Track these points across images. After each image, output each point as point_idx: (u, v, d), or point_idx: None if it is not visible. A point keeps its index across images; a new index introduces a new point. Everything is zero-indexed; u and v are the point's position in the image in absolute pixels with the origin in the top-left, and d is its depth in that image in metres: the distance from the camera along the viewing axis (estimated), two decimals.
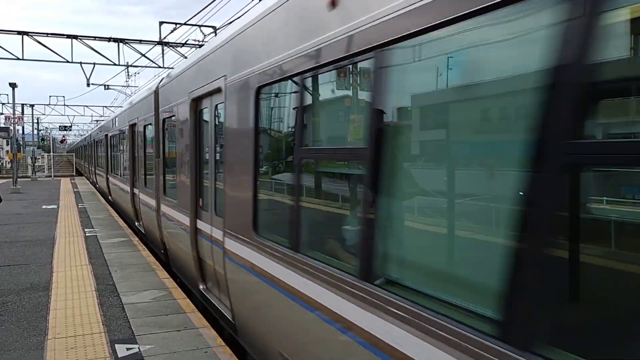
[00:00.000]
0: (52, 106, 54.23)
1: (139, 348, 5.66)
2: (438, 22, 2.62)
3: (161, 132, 10.28)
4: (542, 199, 2.14)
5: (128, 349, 5.64)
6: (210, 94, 6.77)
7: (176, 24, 21.97)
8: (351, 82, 3.79)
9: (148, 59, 24.51)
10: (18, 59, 22.70)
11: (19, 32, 21.78)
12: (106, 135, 22.23)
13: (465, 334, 2.39)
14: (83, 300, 7.44)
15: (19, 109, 38.99)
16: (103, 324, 6.43)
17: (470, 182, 2.94)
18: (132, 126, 14.14)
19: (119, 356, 5.46)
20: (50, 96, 75.93)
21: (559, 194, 2.15)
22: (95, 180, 30.49)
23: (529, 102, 2.20)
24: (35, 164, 44.59)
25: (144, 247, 11.56)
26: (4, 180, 40.01)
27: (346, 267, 3.49)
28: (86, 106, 59.05)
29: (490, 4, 2.30)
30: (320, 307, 3.71)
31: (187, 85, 7.93)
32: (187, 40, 23.16)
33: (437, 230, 3.25)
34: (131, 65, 26.66)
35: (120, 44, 23.09)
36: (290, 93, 4.62)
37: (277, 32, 4.60)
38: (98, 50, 23.44)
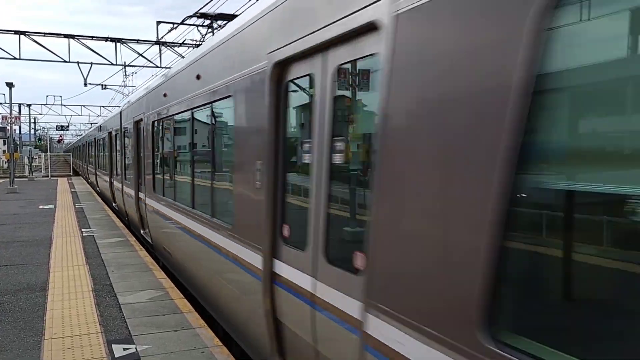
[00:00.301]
0: (49, 106, 54.19)
1: (135, 348, 5.66)
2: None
3: (123, 139, 15.75)
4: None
5: (125, 349, 5.64)
6: (140, 120, 12.32)
7: (174, 23, 21.95)
8: (162, 130, 10.20)
9: (145, 58, 24.51)
10: (15, 58, 22.66)
11: (16, 32, 21.73)
12: (94, 138, 27.95)
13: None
14: (80, 301, 7.44)
15: (16, 108, 38.91)
16: (100, 324, 6.43)
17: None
18: (109, 133, 19.46)
19: (116, 356, 5.46)
20: (47, 96, 75.79)
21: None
22: (87, 175, 36.59)
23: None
24: (32, 164, 44.46)
25: (141, 247, 11.56)
26: (1, 180, 39.94)
27: (169, 196, 9.03)
28: (83, 106, 59.04)
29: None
30: (170, 218, 8.83)
31: (132, 113, 13.77)
32: (184, 40, 23.15)
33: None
34: (129, 65, 26.66)
35: (118, 44, 23.07)
36: (159, 127, 10.35)
37: (147, 101, 11.34)
38: (95, 50, 23.42)
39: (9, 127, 33.55)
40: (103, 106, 56.51)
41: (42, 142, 72.90)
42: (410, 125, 2.69)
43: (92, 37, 23.09)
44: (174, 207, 8.48)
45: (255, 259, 4.75)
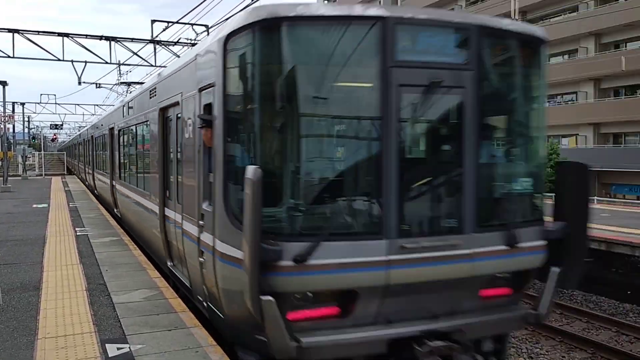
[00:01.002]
0: (43, 104, 53.84)
1: (129, 347, 5.65)
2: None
3: (91, 144, 24.15)
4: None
5: (119, 349, 5.63)
6: (86, 138, 27.34)
7: (168, 22, 21.90)
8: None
9: (140, 57, 24.39)
10: (9, 56, 22.55)
11: (10, 30, 21.63)
12: (77, 142, 39.81)
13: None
14: (74, 300, 7.42)
15: (9, 107, 38.73)
16: (93, 324, 6.41)
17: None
18: (84, 140, 29.65)
19: (110, 356, 5.45)
20: (41, 94, 75.37)
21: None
22: (73, 168, 47.44)
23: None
24: (26, 163, 44.20)
25: (135, 246, 11.53)
26: None
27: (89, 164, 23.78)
28: (77, 104, 58.62)
29: None
30: (100, 181, 20.35)
31: (90, 131, 25.53)
32: (179, 39, 23.09)
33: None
34: (123, 64, 26.49)
35: (112, 42, 22.99)
36: (91, 143, 23.40)
37: (86, 132, 27.89)
38: (89, 49, 23.32)
39: (2, 126, 33.39)
40: (97, 105, 56.15)
41: (36, 141, 72.57)
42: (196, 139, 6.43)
43: (86, 36, 22.99)
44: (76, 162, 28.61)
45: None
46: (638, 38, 33.97)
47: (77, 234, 13.17)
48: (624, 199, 32.69)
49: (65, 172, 52.19)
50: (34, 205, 20.13)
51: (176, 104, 7.25)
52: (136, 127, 11.34)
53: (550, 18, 39.20)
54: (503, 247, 5.27)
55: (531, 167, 5.88)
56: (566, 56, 38.69)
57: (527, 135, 5.91)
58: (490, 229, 5.27)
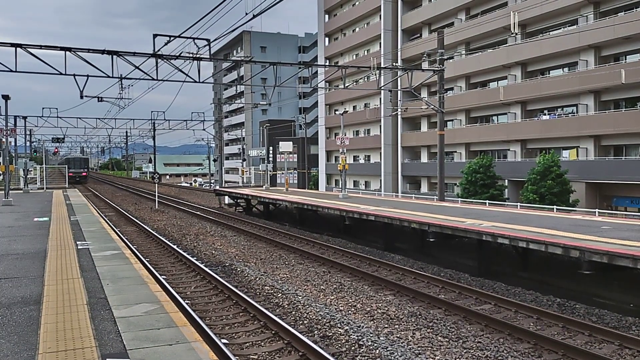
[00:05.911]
0: (45, 118, 54.04)
1: None
2: None
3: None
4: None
5: None
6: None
7: (170, 36, 22.02)
8: None
9: (142, 71, 24.48)
10: (11, 71, 22.66)
11: (13, 44, 21.75)
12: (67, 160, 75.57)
13: None
14: (74, 314, 7.41)
15: (11, 120, 38.82)
16: (94, 338, 6.40)
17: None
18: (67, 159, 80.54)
19: None
20: (43, 108, 75.89)
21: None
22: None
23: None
24: (28, 176, 44.25)
25: (136, 259, 11.52)
26: None
27: None
28: (79, 118, 58.84)
29: None
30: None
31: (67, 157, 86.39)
32: (181, 53, 23.21)
33: None
34: (125, 78, 26.58)
35: (114, 56, 23.11)
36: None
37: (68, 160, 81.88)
38: (92, 63, 23.41)
39: (4, 140, 33.46)
40: (99, 118, 56.43)
41: (38, 155, 73.34)
42: None
43: (88, 50, 23.12)
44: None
45: None
46: (637, 51, 34.08)
47: (78, 247, 13.17)
48: (626, 211, 32.64)
49: (67, 185, 52.29)
50: (35, 219, 20.14)
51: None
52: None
53: (550, 31, 39.38)
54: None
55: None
56: (566, 69, 38.79)
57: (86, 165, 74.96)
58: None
